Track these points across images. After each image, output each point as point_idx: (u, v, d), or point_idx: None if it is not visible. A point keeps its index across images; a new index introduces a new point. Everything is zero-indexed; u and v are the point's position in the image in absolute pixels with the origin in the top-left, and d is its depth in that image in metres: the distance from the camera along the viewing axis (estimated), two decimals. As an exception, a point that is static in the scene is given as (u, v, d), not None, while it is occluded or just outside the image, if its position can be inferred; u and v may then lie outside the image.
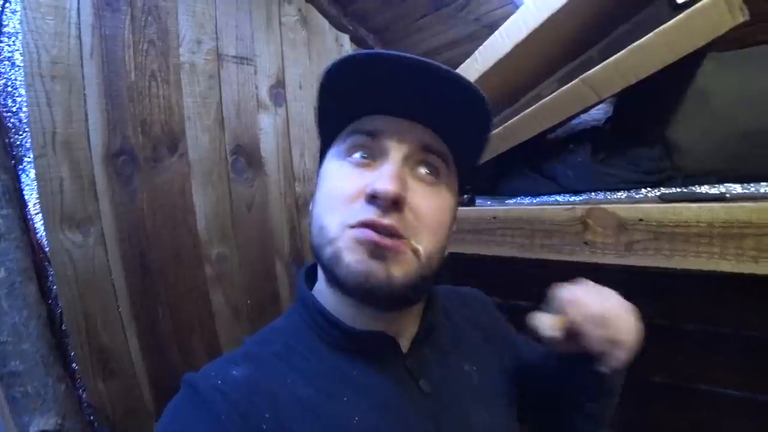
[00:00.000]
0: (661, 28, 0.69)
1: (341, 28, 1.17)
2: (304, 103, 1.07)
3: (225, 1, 0.89)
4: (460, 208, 0.55)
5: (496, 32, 0.89)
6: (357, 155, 0.43)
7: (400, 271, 0.39)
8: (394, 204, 0.39)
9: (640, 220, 0.66)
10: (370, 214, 0.39)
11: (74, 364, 0.68)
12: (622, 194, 0.82)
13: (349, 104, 0.43)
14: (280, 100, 1.02)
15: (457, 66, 1.28)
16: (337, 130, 0.45)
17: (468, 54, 1.34)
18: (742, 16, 0.66)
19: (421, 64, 0.38)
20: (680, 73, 0.77)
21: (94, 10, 0.71)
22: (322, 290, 0.46)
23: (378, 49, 0.40)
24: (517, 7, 1.12)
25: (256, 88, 0.96)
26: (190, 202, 0.85)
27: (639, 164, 0.86)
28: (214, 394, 0.38)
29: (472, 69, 0.92)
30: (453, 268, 0.86)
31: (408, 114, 0.43)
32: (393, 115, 0.43)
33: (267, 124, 0.99)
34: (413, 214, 0.41)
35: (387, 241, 0.38)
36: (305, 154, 1.08)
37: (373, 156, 0.43)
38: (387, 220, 0.39)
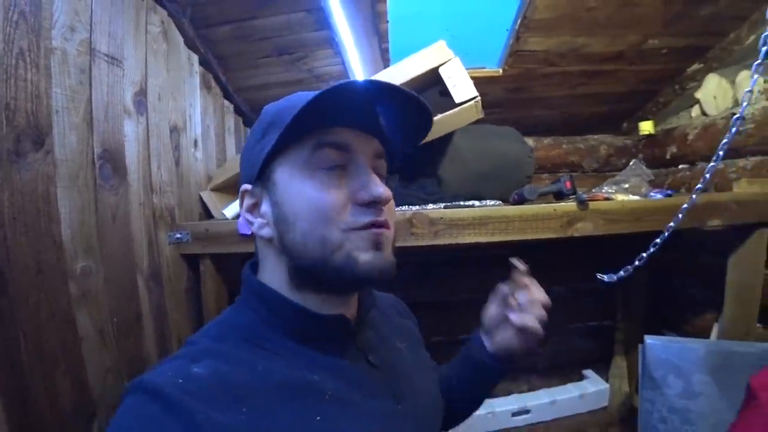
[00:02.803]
0: (447, 113, 1.17)
1: (193, 48, 1.19)
2: (161, 115, 1.04)
3: (99, -8, 0.83)
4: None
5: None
6: (330, 167, 0.45)
7: (390, 252, 0.47)
8: (385, 203, 0.47)
9: (441, 218, 1.07)
10: (372, 215, 0.45)
11: None
12: (418, 208, 1.24)
13: (319, 119, 0.44)
14: (142, 109, 0.97)
15: (269, 102, 1.53)
16: (288, 140, 0.45)
17: (291, 94, 1.58)
18: (481, 114, 1.20)
19: (389, 88, 0.44)
20: (446, 136, 1.28)
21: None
22: (278, 286, 0.48)
23: (367, 79, 0.43)
24: (344, 67, 1.46)
25: (123, 92, 0.90)
26: (54, 208, 0.72)
27: (425, 189, 1.34)
28: (182, 397, 0.36)
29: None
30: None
31: (365, 128, 0.48)
32: (354, 128, 0.47)
33: (131, 131, 0.92)
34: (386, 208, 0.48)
35: (382, 232, 0.46)
36: (162, 166, 1.04)
37: (343, 165, 0.46)
38: (383, 217, 0.46)
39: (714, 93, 1.49)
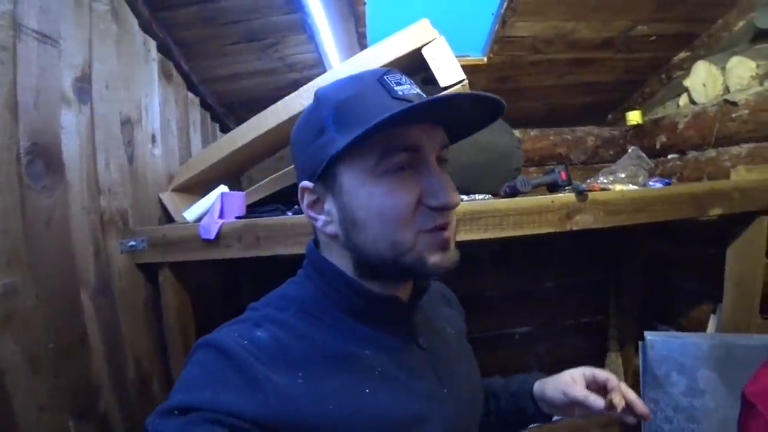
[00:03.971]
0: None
1: (150, 32, 1.06)
2: (110, 105, 0.91)
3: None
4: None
5: (248, 123, 1.12)
6: (399, 170, 0.44)
7: (454, 246, 0.47)
8: (453, 209, 0.46)
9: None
10: (438, 219, 0.45)
11: None
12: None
13: (391, 120, 0.40)
14: (86, 98, 0.84)
15: (242, 95, 1.48)
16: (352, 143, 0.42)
17: (263, 85, 1.48)
18: None
19: (468, 97, 0.44)
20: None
21: None
22: (342, 268, 0.49)
23: (443, 94, 0.41)
24: (319, 54, 1.35)
25: (60, 76, 0.77)
26: (-35, 213, 0.60)
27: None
28: (246, 356, 0.39)
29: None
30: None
31: (433, 120, 0.46)
32: (421, 122, 0.45)
33: (70, 122, 0.79)
34: None
35: (449, 234, 0.46)
36: (111, 164, 0.91)
37: (411, 165, 0.45)
38: (448, 219, 0.46)
39: (703, 80, 1.44)
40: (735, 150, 1.32)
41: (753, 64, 1.27)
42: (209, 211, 1.01)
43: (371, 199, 0.44)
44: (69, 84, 0.80)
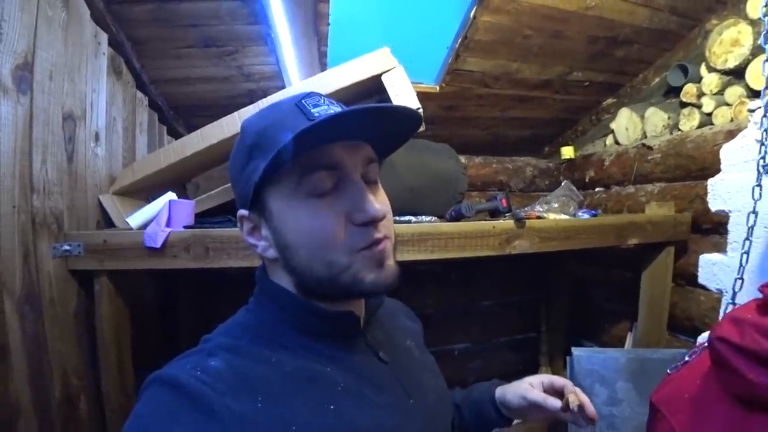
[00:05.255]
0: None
1: (102, 24, 1.01)
2: (52, 98, 0.85)
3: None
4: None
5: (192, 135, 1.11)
6: (321, 189, 0.45)
7: (393, 262, 0.48)
8: (381, 221, 0.46)
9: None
10: (371, 234, 0.45)
11: None
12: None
13: (307, 141, 0.42)
14: (25, 87, 0.78)
15: (193, 99, 1.48)
16: (276, 166, 0.43)
17: (216, 91, 1.46)
18: (423, 127, 1.17)
19: (382, 110, 0.44)
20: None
21: None
22: (289, 288, 0.49)
23: (353, 107, 0.41)
24: (278, 67, 1.35)
25: (-2, 62, 0.71)
26: None
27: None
28: (200, 387, 0.38)
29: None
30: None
31: (354, 137, 0.47)
32: (342, 140, 0.46)
33: (5, 113, 0.73)
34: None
35: (384, 246, 0.46)
36: (48, 161, 0.84)
37: (334, 183, 0.45)
38: (381, 233, 0.46)
39: (626, 125, 1.64)
40: (649, 187, 1.51)
41: (665, 115, 1.46)
42: (156, 218, 0.96)
43: (298, 221, 0.45)
44: (8, 71, 0.74)
